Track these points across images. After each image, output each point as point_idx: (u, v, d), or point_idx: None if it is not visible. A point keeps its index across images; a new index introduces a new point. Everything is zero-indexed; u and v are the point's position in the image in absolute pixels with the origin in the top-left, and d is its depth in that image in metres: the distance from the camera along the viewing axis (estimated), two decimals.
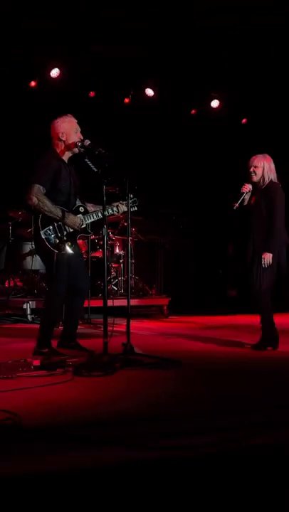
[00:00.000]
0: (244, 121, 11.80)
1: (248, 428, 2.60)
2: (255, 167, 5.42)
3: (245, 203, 5.53)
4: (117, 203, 5.09)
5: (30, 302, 7.83)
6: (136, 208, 5.23)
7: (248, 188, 5.46)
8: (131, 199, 5.06)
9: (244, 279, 10.53)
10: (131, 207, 5.10)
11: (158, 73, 10.45)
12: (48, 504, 2.00)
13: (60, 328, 5.45)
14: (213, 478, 2.25)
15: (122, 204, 5.07)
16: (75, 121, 5.01)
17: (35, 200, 4.71)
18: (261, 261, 5.30)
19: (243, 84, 10.55)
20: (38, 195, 4.72)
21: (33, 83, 9.82)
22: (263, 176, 5.42)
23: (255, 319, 5.79)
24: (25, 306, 7.82)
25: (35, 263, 8.34)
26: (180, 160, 11.25)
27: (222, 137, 11.42)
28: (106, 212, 4.82)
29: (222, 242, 11.50)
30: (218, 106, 11.35)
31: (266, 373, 4.35)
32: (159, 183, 10.68)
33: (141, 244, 9.79)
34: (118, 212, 5.11)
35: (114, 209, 5.07)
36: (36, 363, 4.13)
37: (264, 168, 5.41)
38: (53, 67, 9.67)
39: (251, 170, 5.44)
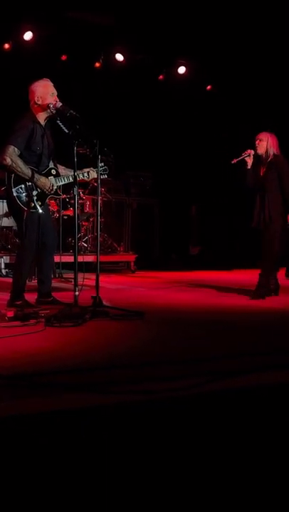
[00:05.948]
0: (209, 87, 11.72)
1: (199, 376, 2.65)
2: (260, 140, 5.75)
3: (248, 166, 5.76)
4: (88, 169, 5.04)
5: (4, 257, 7.77)
6: (106, 176, 5.20)
7: (249, 152, 5.76)
8: (102, 167, 5.03)
9: (208, 238, 10.60)
10: (101, 175, 5.07)
11: (127, 39, 10.24)
12: (16, 444, 2.04)
13: (34, 281, 5.41)
14: (171, 421, 2.31)
15: (93, 171, 5.04)
16: (51, 84, 4.90)
17: (9, 160, 4.67)
18: (276, 224, 5.59)
19: (208, 52, 10.42)
20: (11, 156, 4.67)
21: (6, 45, 9.56)
22: (266, 149, 5.73)
23: (216, 275, 5.86)
24: None
25: (8, 220, 8.23)
26: (148, 123, 11.13)
27: (188, 102, 11.33)
28: (77, 177, 4.81)
29: (186, 203, 11.51)
30: (185, 72, 11.23)
31: (223, 323, 4.42)
32: (127, 145, 10.56)
33: (110, 203, 9.74)
34: (88, 178, 5.09)
35: (85, 175, 5.05)
36: (10, 314, 4.13)
37: (268, 141, 5.73)
38: (27, 31, 9.42)
39: (257, 142, 5.76)
